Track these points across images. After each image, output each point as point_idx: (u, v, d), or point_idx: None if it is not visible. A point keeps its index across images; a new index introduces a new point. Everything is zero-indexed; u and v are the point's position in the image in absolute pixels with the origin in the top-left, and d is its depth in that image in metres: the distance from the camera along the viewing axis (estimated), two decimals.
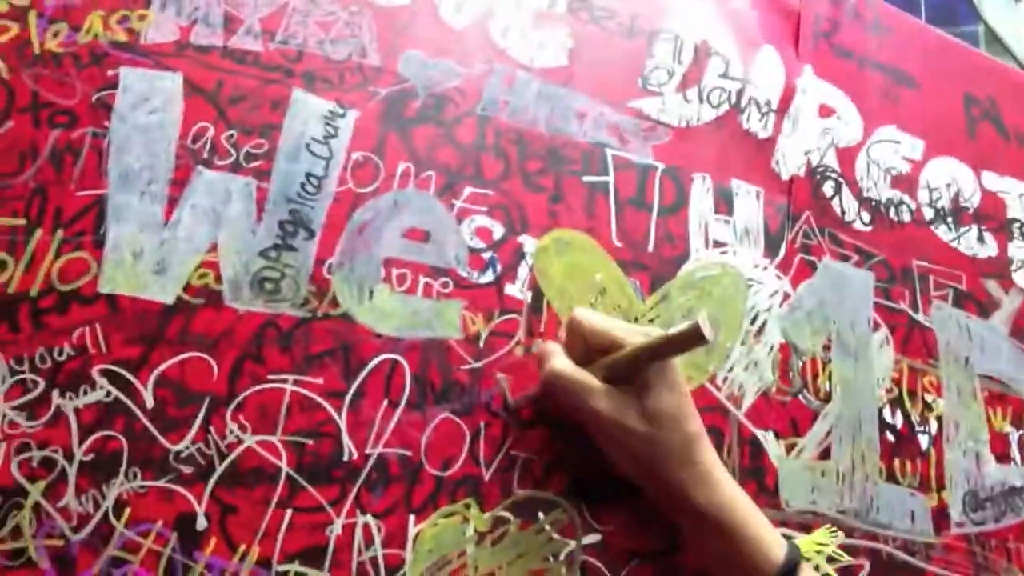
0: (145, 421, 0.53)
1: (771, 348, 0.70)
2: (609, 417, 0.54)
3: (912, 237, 0.81)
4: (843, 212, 0.78)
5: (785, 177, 0.76)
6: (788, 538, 0.57)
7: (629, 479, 0.58)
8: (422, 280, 0.61)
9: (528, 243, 0.64)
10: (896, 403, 0.74)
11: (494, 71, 0.68)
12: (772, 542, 0.55)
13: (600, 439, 0.57)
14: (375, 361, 0.58)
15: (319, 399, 0.56)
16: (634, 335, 0.56)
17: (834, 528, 0.60)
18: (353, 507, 0.55)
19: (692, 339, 0.51)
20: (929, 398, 0.75)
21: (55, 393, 0.51)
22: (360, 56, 0.64)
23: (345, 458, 0.56)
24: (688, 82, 0.75)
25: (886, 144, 0.83)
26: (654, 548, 0.61)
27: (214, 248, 0.57)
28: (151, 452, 0.52)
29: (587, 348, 0.57)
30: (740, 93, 0.77)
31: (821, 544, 0.58)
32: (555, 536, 0.59)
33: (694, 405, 0.57)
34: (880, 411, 0.73)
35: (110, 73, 0.57)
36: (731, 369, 0.68)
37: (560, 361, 0.56)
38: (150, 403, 0.53)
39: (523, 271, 0.64)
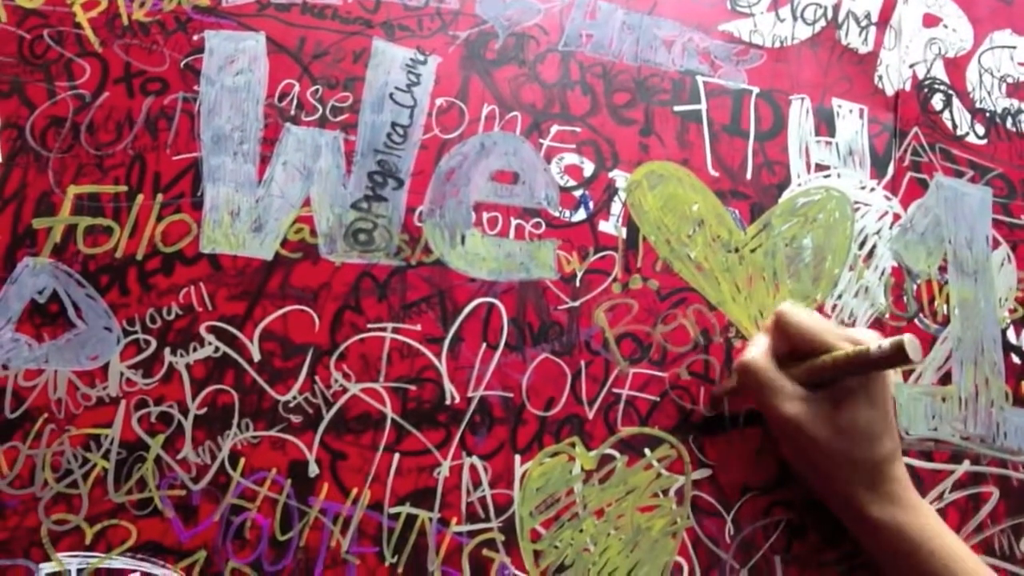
0: (253, 374, 0.53)
1: (882, 272, 0.65)
2: (794, 422, 0.51)
3: None
4: (955, 126, 0.72)
5: (890, 93, 0.70)
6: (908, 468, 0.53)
7: (803, 479, 0.56)
8: (514, 222, 0.59)
9: (620, 178, 0.61)
10: (1022, 323, 0.68)
11: (575, 4, 0.64)
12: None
13: (781, 440, 0.55)
14: (471, 305, 0.57)
15: (418, 345, 0.55)
16: (841, 340, 0.52)
17: None
18: (459, 449, 0.54)
19: (897, 359, 0.47)
20: None
21: (167, 351, 0.52)
22: (438, 1, 0.62)
23: (448, 402, 0.55)
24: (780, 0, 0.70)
25: (1000, 50, 0.76)
26: (767, 481, 0.58)
27: (307, 203, 0.56)
28: (261, 403, 0.52)
29: (791, 345, 0.54)
30: (837, 7, 0.71)
31: None
32: (663, 472, 0.57)
33: (894, 419, 0.53)
34: (1004, 332, 0.67)
35: (195, 38, 0.57)
36: (840, 296, 0.64)
37: (753, 352, 0.53)
38: (257, 356, 0.53)
39: (616, 207, 0.61)
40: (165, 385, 0.52)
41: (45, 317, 0.51)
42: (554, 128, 0.61)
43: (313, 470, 0.52)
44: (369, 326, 0.55)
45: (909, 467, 0.53)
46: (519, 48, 0.62)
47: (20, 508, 0.49)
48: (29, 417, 0.50)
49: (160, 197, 0.54)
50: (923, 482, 0.60)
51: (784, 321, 0.53)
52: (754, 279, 0.62)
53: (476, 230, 0.58)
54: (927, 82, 0.72)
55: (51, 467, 0.49)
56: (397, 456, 0.53)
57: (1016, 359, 0.66)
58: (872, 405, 0.51)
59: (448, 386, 0.55)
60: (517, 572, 0.53)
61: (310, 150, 0.57)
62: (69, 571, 0.48)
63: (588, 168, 0.61)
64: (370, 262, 0.56)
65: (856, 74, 0.70)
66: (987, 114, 0.73)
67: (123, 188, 0.54)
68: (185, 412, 0.51)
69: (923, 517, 0.51)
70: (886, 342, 0.47)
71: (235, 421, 0.52)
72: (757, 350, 0.53)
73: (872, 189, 0.67)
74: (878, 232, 0.66)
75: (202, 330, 0.53)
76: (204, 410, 0.52)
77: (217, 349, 0.53)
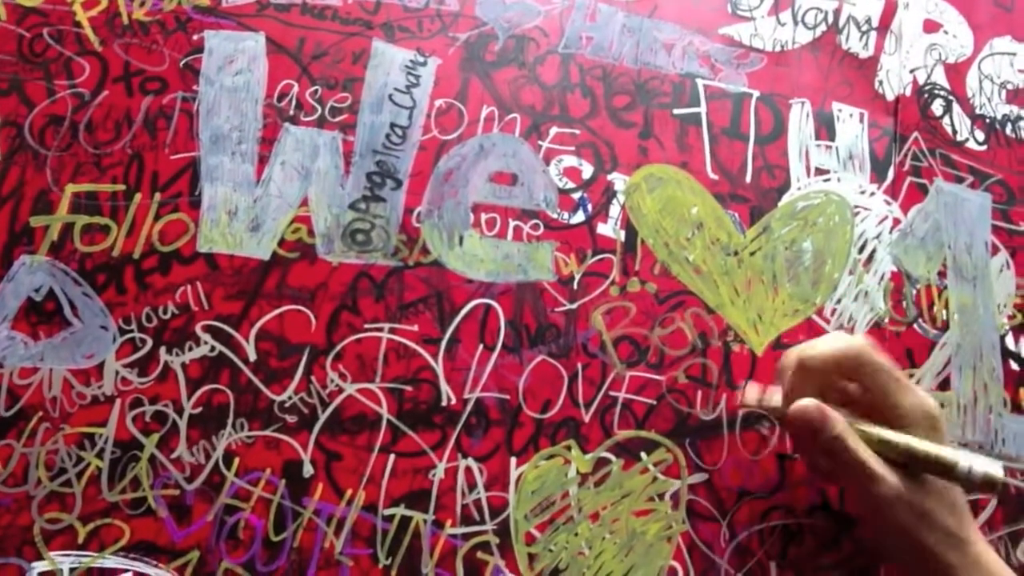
0: (249, 373, 0.52)
1: (882, 277, 0.64)
2: (895, 503, 0.47)
3: None
4: (955, 131, 0.71)
5: (890, 98, 0.69)
6: None
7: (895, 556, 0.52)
8: (512, 223, 0.58)
9: (619, 181, 0.60)
10: (1020, 330, 0.67)
11: (575, 6, 0.63)
12: None
13: (873, 521, 0.50)
14: (468, 306, 0.56)
15: (415, 346, 0.54)
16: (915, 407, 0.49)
17: None
18: (454, 451, 0.53)
19: (984, 491, 0.47)
20: None
21: (162, 350, 0.51)
22: (438, 2, 0.61)
23: (444, 403, 0.54)
24: (781, 4, 0.69)
25: (1000, 57, 0.75)
26: (763, 486, 0.57)
27: (305, 203, 0.55)
28: (256, 403, 0.52)
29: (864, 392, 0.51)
30: (837, 12, 0.70)
31: None
32: (659, 476, 0.56)
33: None
34: (1003, 338, 0.66)
35: (195, 37, 0.56)
36: (839, 300, 0.63)
37: (839, 428, 0.48)
38: (252, 356, 0.52)
39: (615, 210, 0.60)
40: (160, 384, 0.51)
41: (41, 315, 0.50)
42: (553, 130, 0.60)
43: (308, 470, 0.51)
44: (366, 326, 0.54)
45: None
46: (519, 50, 0.61)
47: (13, 506, 0.48)
48: (24, 415, 0.49)
49: (158, 196, 0.53)
50: None
51: (872, 366, 0.50)
52: (753, 282, 0.61)
53: (474, 231, 0.57)
54: (927, 87, 0.71)
55: (45, 465, 0.48)
56: (392, 457, 0.52)
57: (1015, 365, 0.65)
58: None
59: (444, 387, 0.54)
60: (511, 575, 0.52)
61: (308, 150, 0.56)
62: (61, 570, 0.47)
63: (587, 170, 0.60)
64: (367, 262, 0.55)
65: (857, 78, 0.69)
66: (987, 120, 0.72)
67: (121, 187, 0.53)
68: (180, 411, 0.51)
69: None
70: (978, 468, 0.46)
71: (230, 421, 0.51)
72: (840, 425, 0.49)
73: (872, 193, 0.66)
74: (878, 236, 0.65)
75: (198, 329, 0.52)
76: (199, 409, 0.51)
77: (213, 348, 0.52)
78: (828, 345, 0.51)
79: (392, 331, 0.54)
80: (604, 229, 0.59)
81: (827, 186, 0.65)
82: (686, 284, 0.60)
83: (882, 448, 0.49)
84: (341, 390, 0.53)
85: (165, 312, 0.52)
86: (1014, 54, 0.75)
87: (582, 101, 0.61)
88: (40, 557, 0.47)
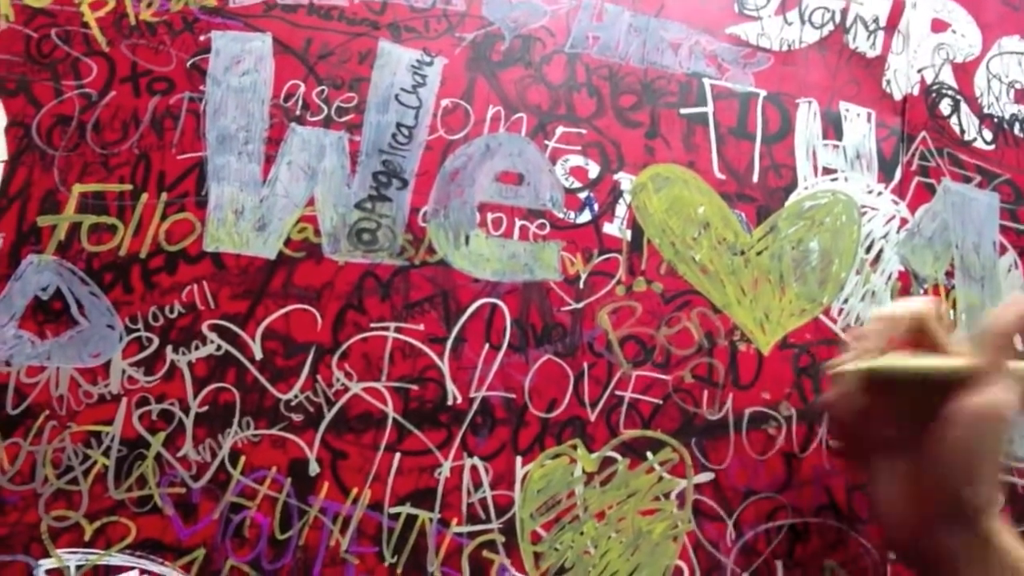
0: (255, 372, 0.51)
1: (889, 277, 0.63)
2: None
3: None
4: (963, 131, 0.70)
5: (898, 97, 0.68)
6: None
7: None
8: (518, 223, 0.57)
9: (625, 180, 0.60)
10: None
11: (582, 6, 0.63)
12: None
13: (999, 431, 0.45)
14: (474, 306, 0.55)
15: (421, 345, 0.54)
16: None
17: None
18: (460, 450, 0.53)
19: None
20: None
21: (168, 349, 0.51)
22: (444, 2, 0.60)
23: (449, 402, 0.53)
24: (788, 3, 0.68)
25: (1008, 56, 0.74)
26: (770, 485, 0.56)
27: (311, 203, 0.55)
28: (262, 402, 0.51)
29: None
30: (845, 12, 0.69)
31: None
32: (665, 475, 0.55)
33: None
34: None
35: (202, 38, 0.56)
36: (847, 300, 0.62)
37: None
38: (259, 355, 0.52)
39: (621, 209, 0.59)
40: (167, 383, 0.50)
41: (48, 314, 0.50)
42: (559, 130, 0.60)
43: (313, 469, 0.51)
44: (372, 325, 0.54)
45: None
46: (525, 50, 0.61)
47: (20, 504, 0.47)
48: (31, 413, 0.49)
49: (164, 196, 0.53)
50: None
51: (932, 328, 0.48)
52: (760, 282, 0.60)
53: (480, 231, 0.56)
54: (935, 87, 0.70)
55: (52, 464, 0.48)
56: (398, 456, 0.52)
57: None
58: None
59: (450, 386, 0.54)
60: (517, 574, 0.52)
61: (315, 150, 0.55)
62: (68, 567, 0.47)
63: (593, 170, 0.59)
64: (374, 262, 0.54)
65: (864, 78, 0.68)
66: (995, 120, 0.71)
67: (128, 187, 0.53)
68: (186, 410, 0.50)
69: None
70: None
71: (236, 419, 0.51)
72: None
73: (879, 193, 0.65)
74: (885, 236, 0.64)
75: (204, 328, 0.51)
76: (205, 408, 0.50)
77: (219, 347, 0.51)
78: (909, 304, 0.49)
79: (398, 330, 0.54)
80: (610, 229, 0.59)
81: (834, 186, 0.64)
82: (692, 284, 0.59)
83: None
84: (347, 389, 0.52)
85: (171, 311, 0.51)
86: (1023, 53, 0.74)
87: (588, 101, 0.61)
88: (47, 554, 0.47)
